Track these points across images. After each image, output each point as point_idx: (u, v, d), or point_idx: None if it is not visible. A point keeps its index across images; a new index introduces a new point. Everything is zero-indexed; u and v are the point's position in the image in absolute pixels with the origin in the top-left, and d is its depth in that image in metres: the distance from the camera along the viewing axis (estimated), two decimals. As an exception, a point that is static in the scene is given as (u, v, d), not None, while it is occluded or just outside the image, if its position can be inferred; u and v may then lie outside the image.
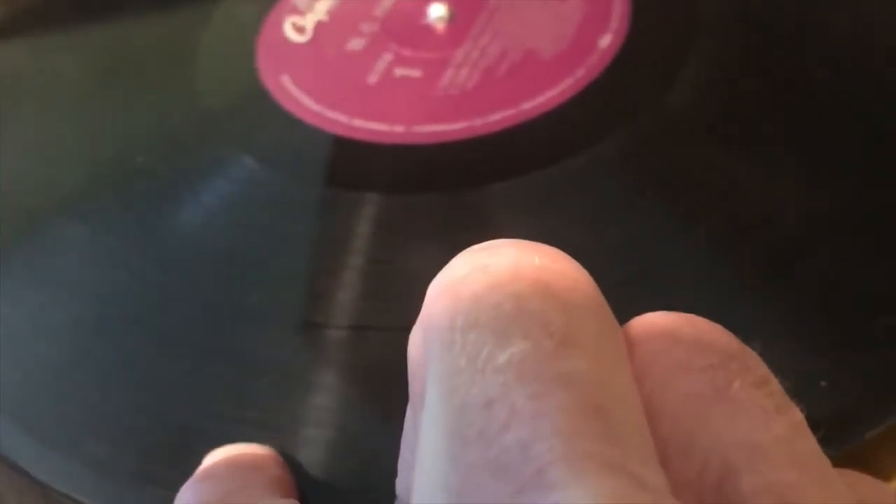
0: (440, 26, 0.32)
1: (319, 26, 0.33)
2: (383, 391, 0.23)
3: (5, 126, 0.32)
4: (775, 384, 0.12)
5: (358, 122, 0.29)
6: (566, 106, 0.28)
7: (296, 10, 0.34)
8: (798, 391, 0.14)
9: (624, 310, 0.14)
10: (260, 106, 0.30)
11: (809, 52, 0.30)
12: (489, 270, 0.13)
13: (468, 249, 0.13)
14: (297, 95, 0.30)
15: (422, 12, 0.32)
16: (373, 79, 0.30)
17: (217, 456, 0.22)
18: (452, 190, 0.27)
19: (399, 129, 0.28)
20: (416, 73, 0.30)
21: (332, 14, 0.33)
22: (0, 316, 0.26)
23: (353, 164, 0.28)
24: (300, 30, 0.33)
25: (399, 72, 0.30)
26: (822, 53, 0.29)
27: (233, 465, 0.21)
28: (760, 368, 0.13)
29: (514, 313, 0.12)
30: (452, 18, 0.32)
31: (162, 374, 0.25)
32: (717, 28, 0.30)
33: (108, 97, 0.32)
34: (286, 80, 0.31)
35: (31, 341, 0.26)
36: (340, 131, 0.29)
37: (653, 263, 0.25)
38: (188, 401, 0.24)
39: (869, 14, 0.30)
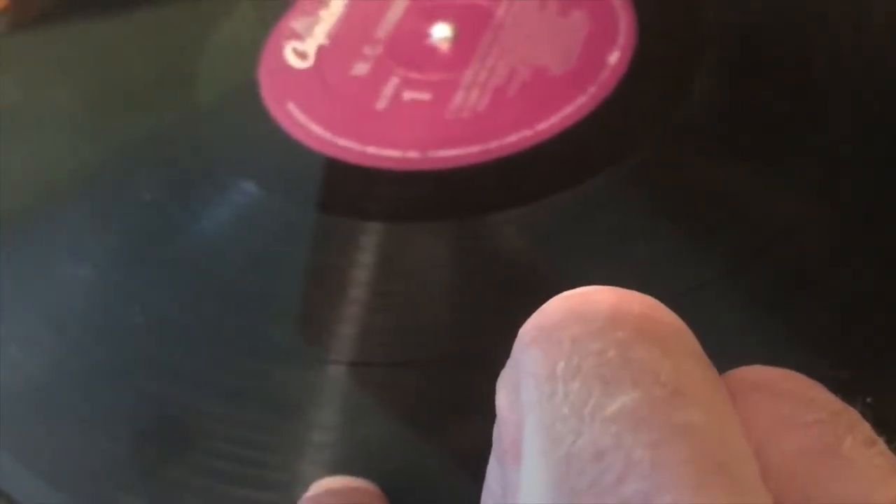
0: (444, 46, 0.32)
1: (321, 51, 0.32)
2: (397, 426, 0.23)
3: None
4: (882, 443, 0.12)
5: (371, 150, 0.28)
6: (582, 124, 0.28)
7: (295, 35, 0.33)
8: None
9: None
10: (269, 136, 0.29)
11: (817, 58, 0.30)
12: (588, 316, 0.12)
13: (561, 295, 0.13)
14: (305, 123, 0.30)
15: (425, 33, 0.32)
16: (382, 104, 0.30)
17: (325, 485, 0.21)
18: (476, 215, 0.26)
19: (414, 154, 0.28)
20: (425, 96, 0.30)
21: (333, 37, 0.33)
22: (15, 362, 0.26)
23: (370, 193, 0.27)
24: (302, 55, 0.32)
25: (408, 95, 0.30)
26: (829, 60, 0.29)
27: (342, 498, 0.20)
28: (866, 426, 0.12)
29: (619, 361, 0.12)
30: (456, 38, 0.32)
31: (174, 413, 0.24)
32: (724, 38, 0.30)
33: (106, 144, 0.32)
34: (293, 109, 0.30)
35: (49, 388, 0.25)
36: (354, 159, 0.28)
37: (680, 283, 0.24)
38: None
39: (872, 16, 0.30)
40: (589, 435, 0.11)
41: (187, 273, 0.27)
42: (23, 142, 0.31)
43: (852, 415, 0.12)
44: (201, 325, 0.25)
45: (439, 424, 0.23)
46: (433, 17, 0.32)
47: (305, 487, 0.22)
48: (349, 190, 0.27)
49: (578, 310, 0.12)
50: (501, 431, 0.13)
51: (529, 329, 0.13)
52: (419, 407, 0.23)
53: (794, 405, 0.12)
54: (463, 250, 0.26)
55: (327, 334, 0.25)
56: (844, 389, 0.22)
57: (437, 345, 0.24)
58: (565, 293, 0.13)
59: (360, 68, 0.31)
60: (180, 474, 0.23)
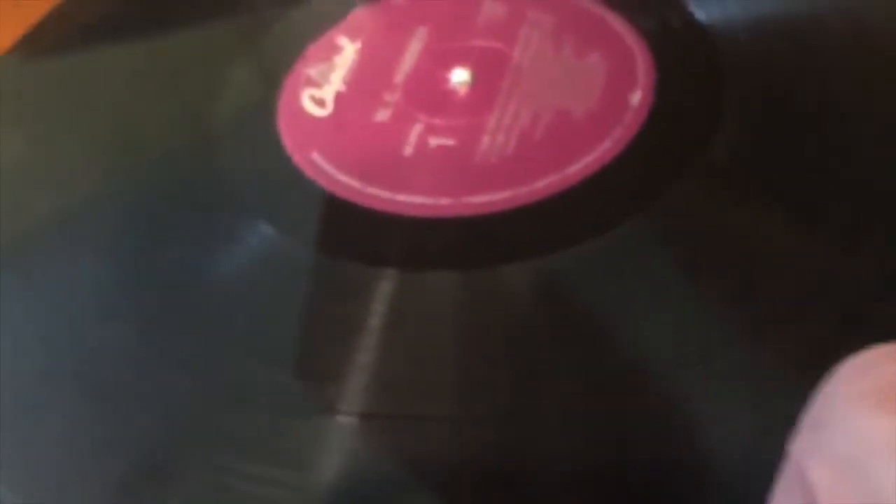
0: (463, 91, 0.32)
1: (339, 98, 0.32)
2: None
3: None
4: None
5: (402, 197, 0.28)
6: (611, 167, 0.28)
7: (311, 83, 0.33)
8: None
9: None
10: (297, 187, 0.29)
11: (835, 86, 0.30)
12: None
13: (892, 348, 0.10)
14: (331, 173, 0.29)
15: (443, 78, 0.32)
16: (408, 150, 0.30)
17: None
18: (513, 262, 0.26)
19: (445, 201, 0.28)
20: (450, 141, 0.30)
21: (350, 84, 0.33)
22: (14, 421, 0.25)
23: (406, 242, 0.27)
24: (320, 103, 0.32)
25: (434, 141, 0.30)
26: (863, 92, 0.29)
27: None
28: None
29: None
30: (475, 82, 0.32)
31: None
32: (746, 72, 0.30)
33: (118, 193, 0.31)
34: (317, 158, 0.30)
35: (49, 440, 0.25)
36: (385, 207, 0.28)
37: (716, 337, 0.24)
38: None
39: None
40: None
41: (208, 329, 0.26)
42: (25, 185, 0.31)
43: None
44: (214, 372, 0.25)
45: (455, 483, 0.22)
46: (449, 61, 0.32)
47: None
48: (385, 239, 0.27)
49: None
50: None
51: (864, 388, 0.10)
52: (434, 463, 0.23)
53: None
54: (495, 298, 0.26)
55: (350, 384, 0.24)
56: None
57: (456, 399, 0.24)
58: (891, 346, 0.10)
59: (382, 115, 0.31)
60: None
